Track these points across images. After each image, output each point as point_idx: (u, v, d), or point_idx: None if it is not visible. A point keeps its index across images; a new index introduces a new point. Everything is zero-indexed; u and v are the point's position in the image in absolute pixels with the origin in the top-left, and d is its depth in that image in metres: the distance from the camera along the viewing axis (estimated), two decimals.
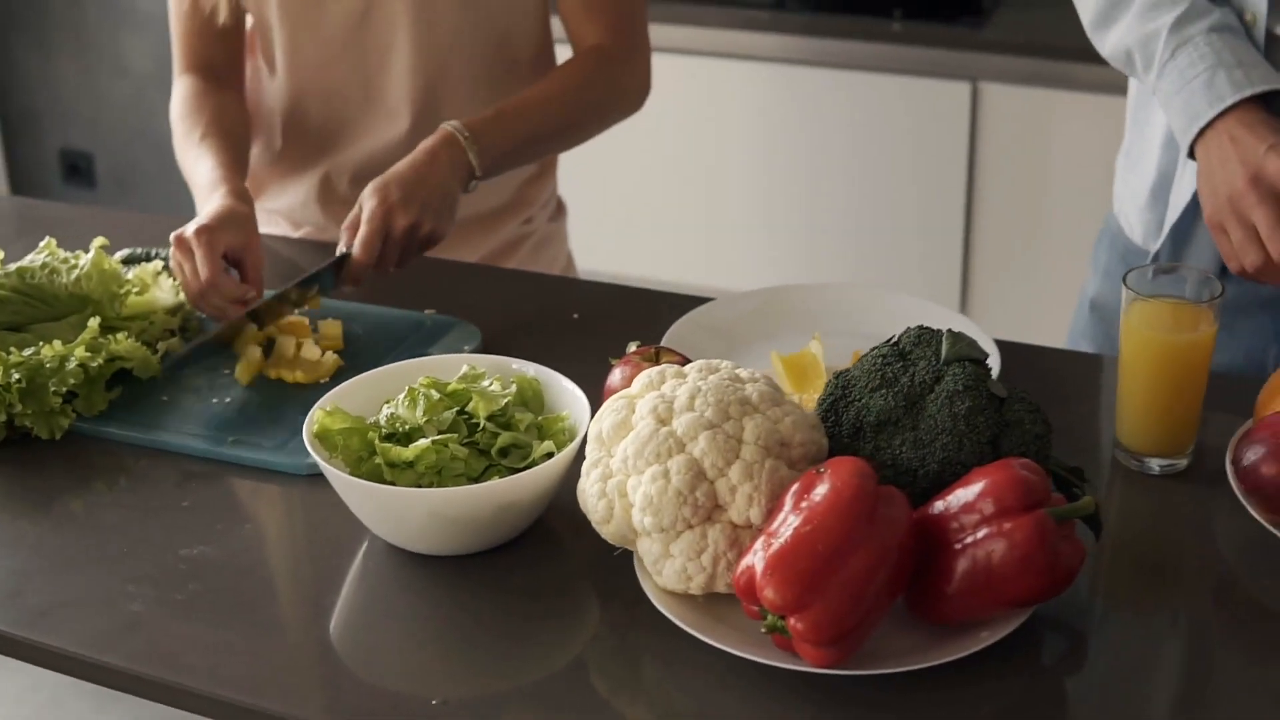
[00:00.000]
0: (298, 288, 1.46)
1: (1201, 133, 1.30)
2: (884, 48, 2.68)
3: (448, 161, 1.52)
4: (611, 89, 1.67)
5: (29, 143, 3.95)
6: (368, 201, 1.47)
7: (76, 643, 1.09)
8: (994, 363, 1.36)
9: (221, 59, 1.72)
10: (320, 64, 1.68)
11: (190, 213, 1.56)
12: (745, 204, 2.99)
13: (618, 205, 3.04)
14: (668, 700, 1.04)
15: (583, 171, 2.87)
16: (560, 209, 1.88)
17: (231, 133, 1.65)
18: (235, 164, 1.60)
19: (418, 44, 1.65)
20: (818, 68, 2.77)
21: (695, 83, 2.88)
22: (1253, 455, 1.15)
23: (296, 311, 1.49)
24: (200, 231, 1.43)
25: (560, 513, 1.18)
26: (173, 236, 1.45)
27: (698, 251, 3.07)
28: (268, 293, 1.48)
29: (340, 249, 1.48)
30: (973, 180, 2.73)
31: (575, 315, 1.52)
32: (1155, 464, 1.25)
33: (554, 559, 1.17)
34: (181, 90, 1.71)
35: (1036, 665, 1.06)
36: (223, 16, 1.67)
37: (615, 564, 1.13)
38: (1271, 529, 1.15)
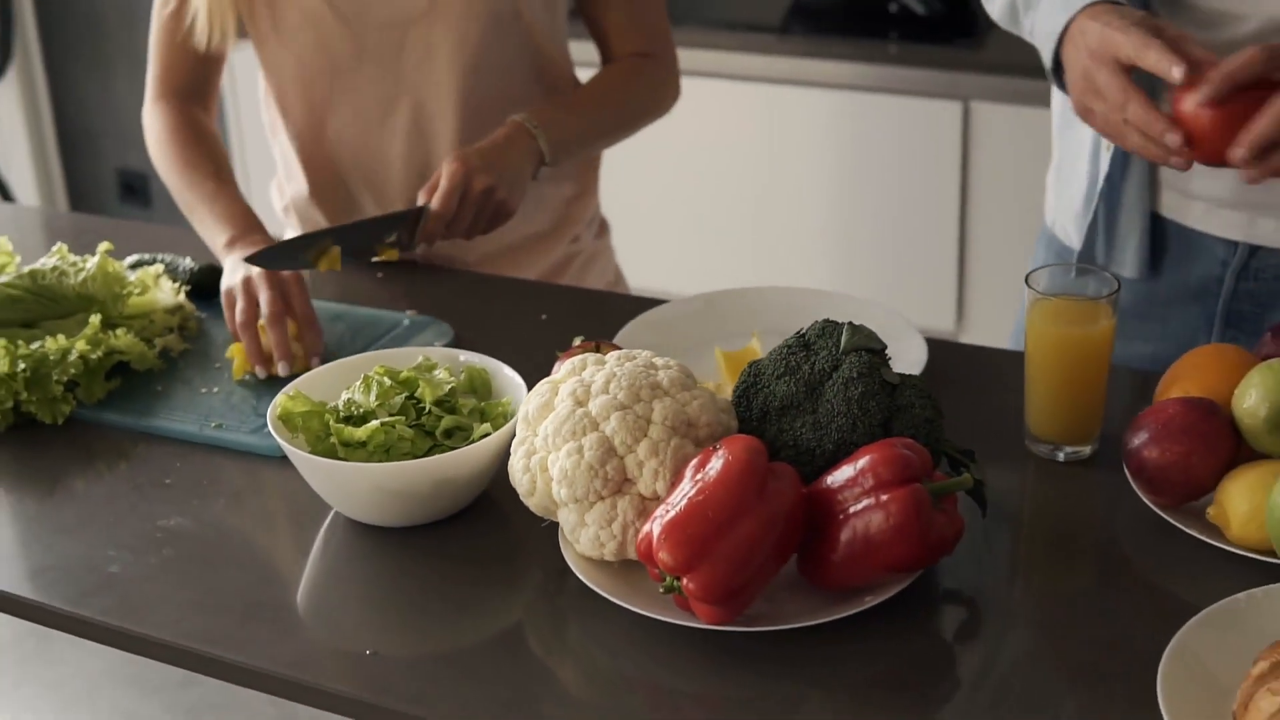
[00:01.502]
0: (381, 223, 1.61)
1: (1061, 45, 1.37)
2: (881, 69, 2.79)
3: (520, 146, 1.65)
4: (654, 91, 1.82)
5: (87, 162, 4.12)
6: (448, 165, 1.61)
7: (60, 599, 1.22)
8: (920, 357, 1.46)
9: (200, 84, 1.78)
10: (352, 101, 1.72)
11: None
12: (745, 219, 3.09)
13: (622, 219, 3.14)
14: (591, 658, 1.15)
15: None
16: (604, 227, 1.97)
17: (231, 174, 1.74)
18: (249, 209, 1.69)
19: (459, 70, 1.70)
20: (818, 88, 2.87)
21: (700, 103, 2.98)
22: (1137, 440, 1.24)
23: (374, 260, 1.64)
24: (301, 279, 1.56)
25: (503, 489, 1.29)
26: (262, 273, 1.54)
27: (696, 263, 3.16)
28: (358, 221, 1.65)
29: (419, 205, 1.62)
30: (965, 196, 2.82)
31: (543, 316, 1.64)
32: (1061, 451, 1.34)
33: (496, 531, 1.28)
34: (165, 118, 1.75)
35: (929, 630, 1.15)
36: (215, 42, 1.70)
37: (549, 536, 1.24)
38: (1156, 509, 1.25)
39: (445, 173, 1.60)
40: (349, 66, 1.71)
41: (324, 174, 1.80)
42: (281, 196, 1.88)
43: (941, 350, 1.52)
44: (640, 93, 1.81)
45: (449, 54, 1.69)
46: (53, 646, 2.91)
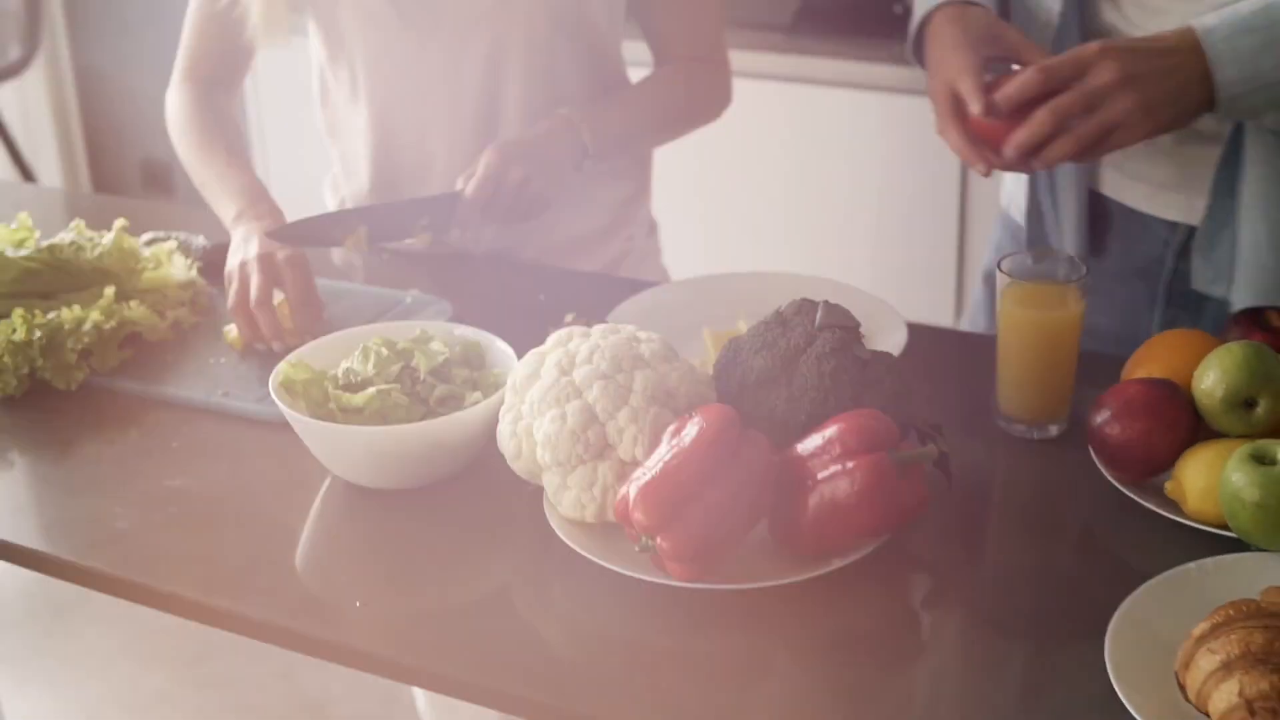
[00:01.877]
0: (414, 207, 1.66)
1: (921, 36, 1.52)
2: (886, 68, 2.84)
3: (563, 139, 1.69)
4: (704, 95, 1.84)
5: (112, 152, 4.20)
6: (486, 154, 1.65)
7: (69, 552, 1.28)
8: (901, 340, 1.51)
9: (228, 73, 1.82)
10: (418, 93, 1.74)
11: None
12: (749, 215, 3.14)
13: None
14: (572, 616, 1.21)
15: None
16: (653, 227, 1.99)
17: (244, 153, 1.77)
18: (259, 183, 1.72)
19: (524, 70, 1.72)
20: (825, 87, 2.93)
21: None
22: (1100, 418, 1.29)
23: (407, 241, 1.69)
24: (297, 260, 1.57)
25: (494, 458, 1.34)
26: (258, 256, 1.57)
27: (697, 256, 3.20)
28: (391, 203, 1.71)
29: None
30: (965, 192, 2.88)
31: (541, 297, 1.70)
32: (1031, 430, 1.39)
33: (485, 497, 1.33)
34: (188, 99, 1.79)
35: (894, 592, 1.20)
36: (266, 39, 1.71)
37: (534, 501, 1.30)
38: (1117, 484, 1.30)
39: (482, 161, 1.64)
40: (413, 66, 1.73)
41: (387, 173, 1.81)
42: (336, 193, 1.90)
43: (926, 335, 1.57)
44: (691, 96, 1.83)
45: (514, 55, 1.71)
46: (68, 622, 2.98)
